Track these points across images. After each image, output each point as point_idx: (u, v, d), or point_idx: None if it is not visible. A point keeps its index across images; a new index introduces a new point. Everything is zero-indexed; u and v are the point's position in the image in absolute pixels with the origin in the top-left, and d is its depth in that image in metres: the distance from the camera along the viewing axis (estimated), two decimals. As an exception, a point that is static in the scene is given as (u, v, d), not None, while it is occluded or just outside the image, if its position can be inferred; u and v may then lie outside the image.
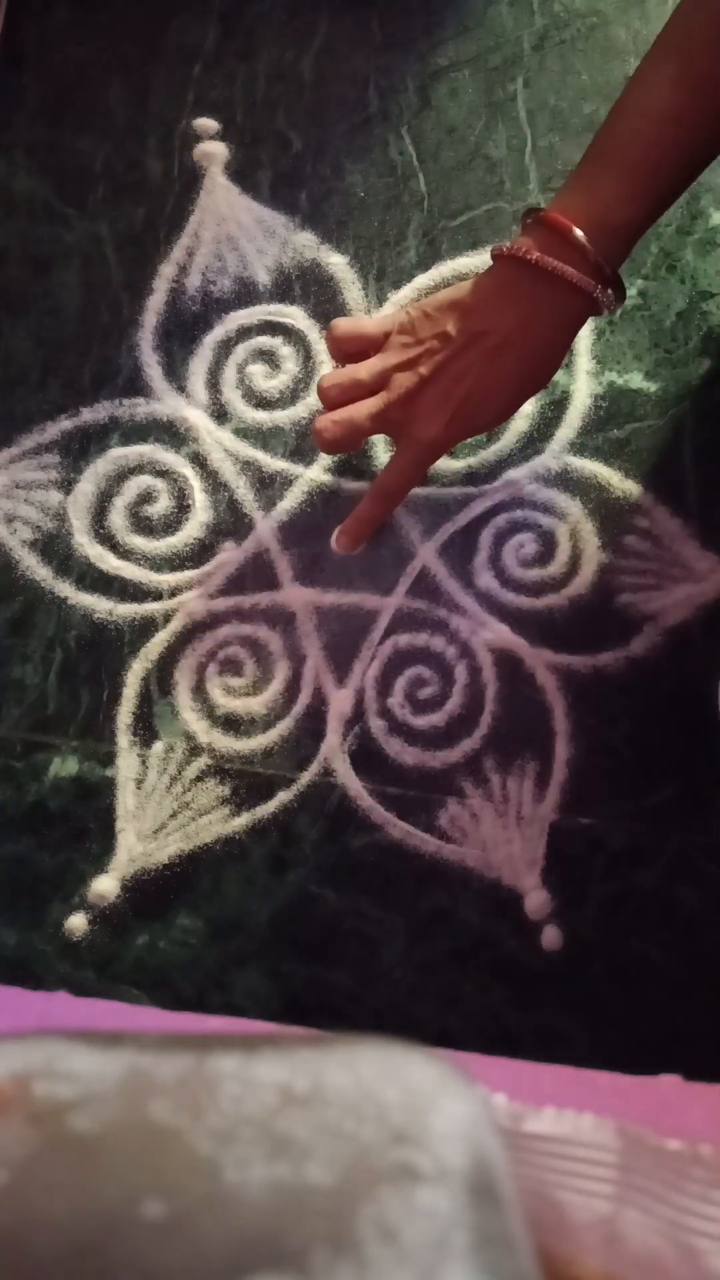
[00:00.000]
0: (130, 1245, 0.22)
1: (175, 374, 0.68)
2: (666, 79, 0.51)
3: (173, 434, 0.67)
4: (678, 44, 0.51)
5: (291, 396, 0.68)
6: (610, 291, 0.54)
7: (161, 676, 0.63)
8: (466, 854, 0.60)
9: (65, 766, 0.62)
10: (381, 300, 0.69)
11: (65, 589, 0.65)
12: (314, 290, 0.70)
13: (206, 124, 0.73)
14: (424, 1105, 0.25)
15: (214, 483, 0.67)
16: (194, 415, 0.68)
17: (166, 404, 0.68)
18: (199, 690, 0.63)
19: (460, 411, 0.56)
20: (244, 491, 0.66)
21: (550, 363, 0.56)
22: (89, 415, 0.68)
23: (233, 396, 0.68)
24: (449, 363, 0.55)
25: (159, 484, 0.67)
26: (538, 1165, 0.36)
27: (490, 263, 0.56)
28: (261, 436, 0.67)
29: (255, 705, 0.63)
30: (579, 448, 0.66)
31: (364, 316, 0.65)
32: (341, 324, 0.60)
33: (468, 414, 0.56)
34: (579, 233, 0.52)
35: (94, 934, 0.59)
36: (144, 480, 0.67)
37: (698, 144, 0.52)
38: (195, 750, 0.62)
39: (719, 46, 0.50)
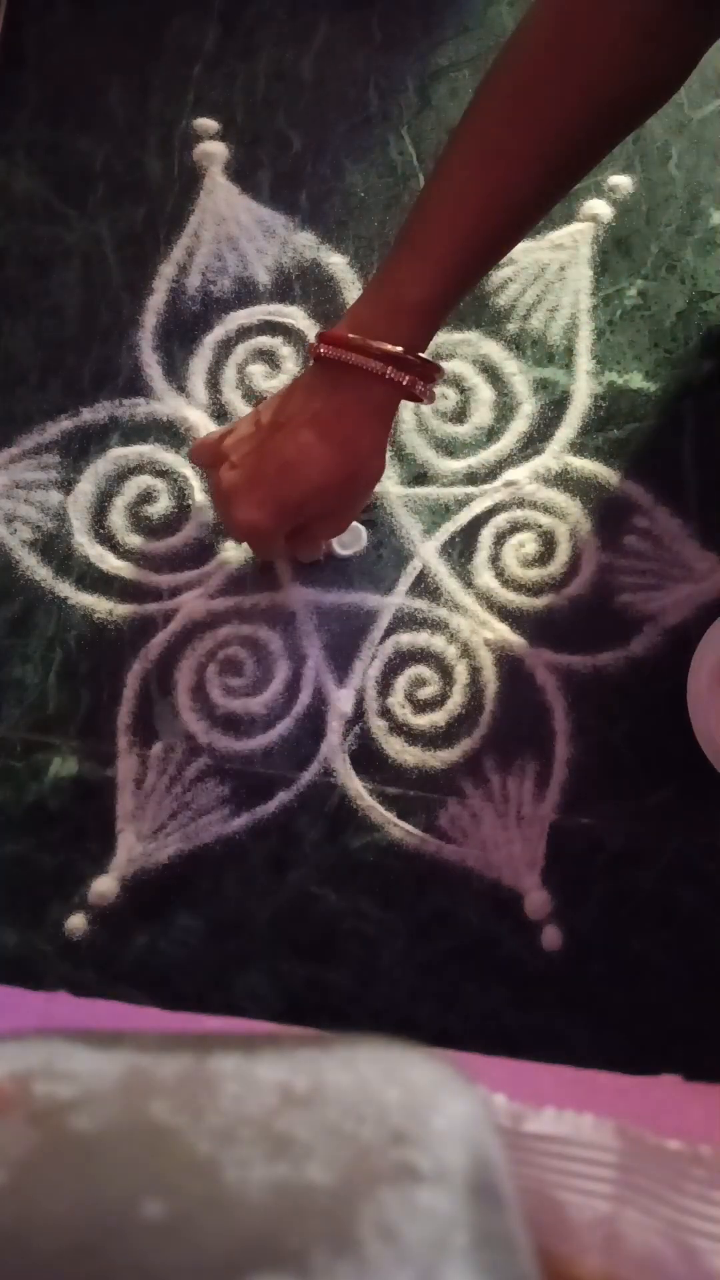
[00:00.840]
0: (130, 1245, 0.22)
1: (175, 374, 0.68)
2: (462, 161, 0.51)
3: (173, 434, 0.67)
4: (470, 128, 0.51)
5: (291, 396, 0.68)
6: (418, 381, 0.54)
7: (161, 676, 0.63)
8: (466, 854, 0.60)
9: (65, 766, 0.62)
10: (381, 300, 0.69)
11: (65, 589, 0.65)
12: (314, 290, 0.70)
13: (206, 124, 0.73)
14: (424, 1105, 0.25)
15: (214, 483, 0.67)
16: (194, 415, 0.68)
17: (166, 404, 0.68)
18: (199, 690, 0.63)
19: (271, 491, 0.54)
20: (244, 491, 0.66)
21: (362, 442, 0.55)
22: (89, 415, 0.68)
23: (233, 396, 0.68)
24: (257, 448, 0.55)
25: (159, 484, 0.67)
26: (538, 1165, 0.36)
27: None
28: (261, 436, 0.67)
29: (255, 705, 0.63)
30: (579, 448, 0.66)
31: (212, 430, 0.65)
32: (194, 447, 0.61)
33: (280, 491, 0.54)
34: (384, 345, 0.52)
35: (94, 934, 0.59)
36: (144, 480, 0.67)
37: (495, 224, 0.52)
38: (195, 750, 0.62)
39: (508, 126, 0.50)
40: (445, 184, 0.52)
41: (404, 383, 0.53)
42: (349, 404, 0.54)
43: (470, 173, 0.51)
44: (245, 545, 0.64)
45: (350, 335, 0.52)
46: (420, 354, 0.53)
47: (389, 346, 0.52)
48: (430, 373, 0.54)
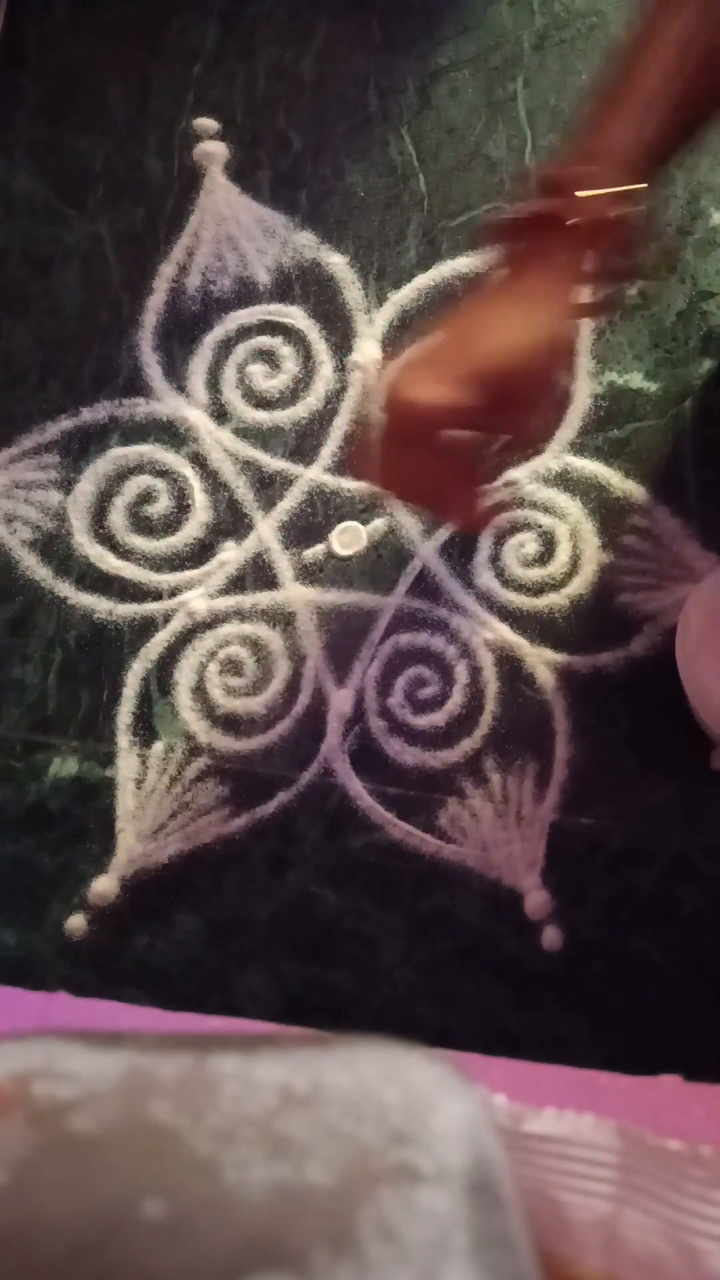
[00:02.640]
0: (130, 1245, 0.22)
1: (175, 374, 0.68)
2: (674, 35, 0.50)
3: (173, 434, 0.67)
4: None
5: (291, 396, 0.68)
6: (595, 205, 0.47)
7: (161, 676, 0.63)
8: (466, 854, 0.60)
9: (65, 766, 0.62)
10: (381, 300, 0.69)
11: (65, 589, 0.65)
12: (314, 290, 0.70)
13: (206, 124, 0.73)
14: (424, 1105, 0.25)
15: (214, 483, 0.67)
16: (194, 415, 0.68)
17: (166, 404, 0.68)
18: (199, 690, 0.63)
19: (419, 356, 0.47)
20: (244, 491, 0.66)
21: (528, 313, 0.48)
22: (89, 415, 0.68)
23: (233, 396, 0.68)
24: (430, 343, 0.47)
25: (159, 484, 0.67)
26: (538, 1165, 0.36)
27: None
28: (261, 436, 0.67)
29: (255, 705, 0.63)
30: (579, 448, 0.66)
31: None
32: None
33: (425, 359, 0.47)
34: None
35: (94, 934, 0.59)
36: (144, 480, 0.67)
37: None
38: (195, 750, 0.62)
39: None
40: (661, 48, 0.50)
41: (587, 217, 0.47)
42: (540, 264, 0.48)
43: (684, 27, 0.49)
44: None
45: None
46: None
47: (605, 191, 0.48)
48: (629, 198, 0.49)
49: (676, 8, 0.50)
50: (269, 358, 0.69)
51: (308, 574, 0.65)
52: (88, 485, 0.66)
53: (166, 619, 0.64)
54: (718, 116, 0.51)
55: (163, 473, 0.67)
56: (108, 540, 0.66)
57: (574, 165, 0.48)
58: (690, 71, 0.50)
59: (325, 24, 0.75)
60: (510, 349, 0.47)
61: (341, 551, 0.65)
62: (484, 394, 0.46)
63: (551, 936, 0.58)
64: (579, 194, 0.47)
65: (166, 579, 0.65)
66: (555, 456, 0.66)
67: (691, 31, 0.49)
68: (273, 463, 0.67)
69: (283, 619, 0.64)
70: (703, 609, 0.57)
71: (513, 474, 0.66)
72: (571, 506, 0.65)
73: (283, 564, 0.65)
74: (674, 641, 0.61)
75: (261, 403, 0.68)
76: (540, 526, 0.65)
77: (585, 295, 0.49)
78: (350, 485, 0.66)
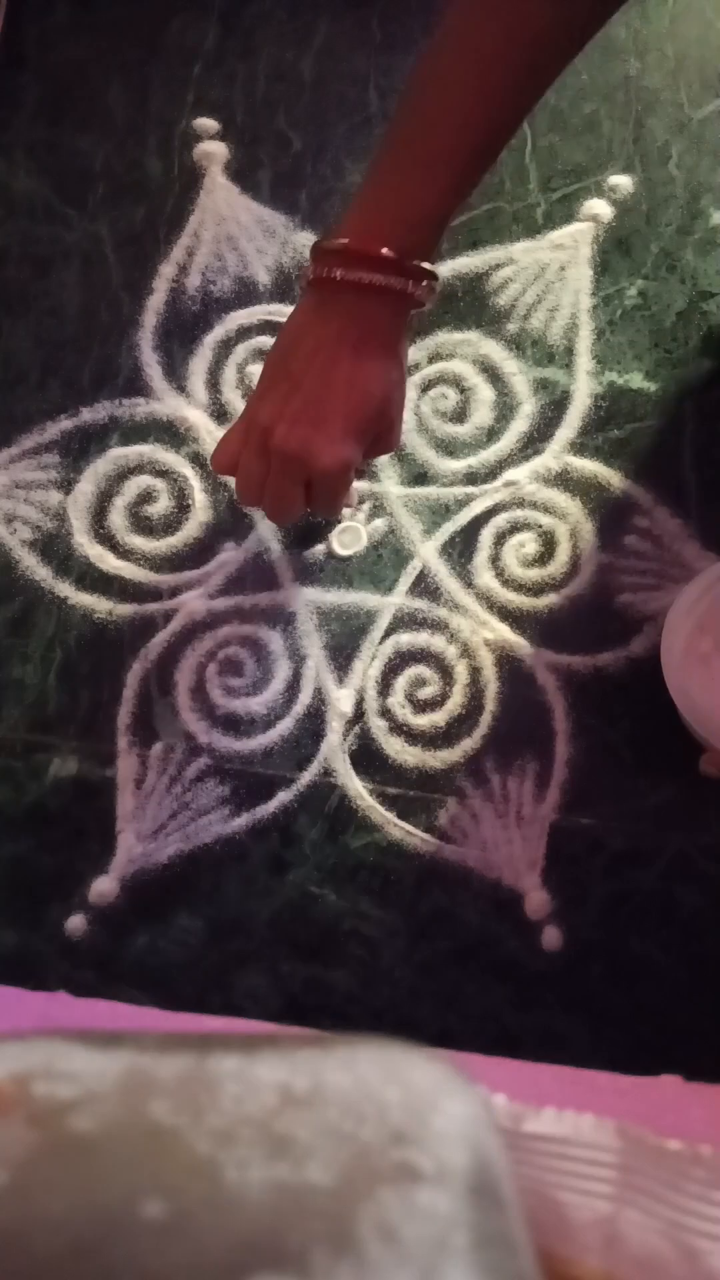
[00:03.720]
0: (130, 1245, 0.22)
1: (175, 374, 0.68)
2: (459, 55, 0.50)
3: (173, 434, 0.67)
4: (453, 39, 0.50)
5: (291, 396, 0.68)
6: (421, 286, 0.53)
7: (161, 676, 0.63)
8: (466, 854, 0.60)
9: (65, 766, 0.62)
10: (381, 300, 0.69)
11: (65, 589, 0.65)
12: (314, 290, 0.70)
13: (206, 124, 0.73)
14: (424, 1105, 0.25)
15: (214, 482, 0.67)
16: (194, 415, 0.68)
17: (166, 404, 0.68)
18: (199, 690, 0.63)
19: (345, 420, 0.53)
20: (244, 491, 0.66)
21: (399, 345, 0.54)
22: (89, 415, 0.68)
23: (233, 396, 0.68)
24: (304, 394, 0.53)
25: (159, 484, 0.67)
26: (538, 1165, 0.36)
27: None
28: (261, 436, 0.67)
29: (255, 705, 0.63)
30: (579, 448, 0.66)
31: (218, 433, 0.64)
32: (218, 457, 0.58)
33: (353, 416, 0.53)
34: (385, 251, 0.51)
35: (94, 934, 0.59)
36: (144, 480, 0.67)
37: (495, 119, 0.51)
38: (195, 750, 0.62)
39: (493, 25, 0.49)
40: (440, 93, 0.51)
41: (421, 293, 0.53)
42: (372, 315, 0.53)
43: (467, 77, 0.50)
44: (263, 517, 0.63)
45: (384, 251, 0.51)
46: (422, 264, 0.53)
47: (421, 264, 0.52)
48: (434, 280, 0.54)
49: (467, 63, 0.50)
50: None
51: (308, 574, 0.65)
52: (88, 485, 0.67)
53: (166, 619, 0.64)
54: (482, 178, 0.54)
55: (163, 473, 0.67)
56: (108, 540, 0.66)
57: (369, 230, 0.52)
58: (479, 128, 0.51)
59: (325, 24, 0.75)
60: (377, 398, 0.54)
61: (341, 551, 0.65)
62: (367, 440, 0.55)
63: (551, 936, 0.58)
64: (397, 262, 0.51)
65: (166, 579, 0.65)
66: (555, 456, 0.66)
67: (483, 87, 0.50)
68: (273, 463, 0.67)
69: (283, 619, 0.64)
70: (686, 614, 0.57)
71: (513, 474, 0.66)
72: (571, 506, 0.65)
73: (283, 564, 0.65)
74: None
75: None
76: (540, 526, 0.65)
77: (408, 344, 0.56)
78: (351, 485, 0.66)
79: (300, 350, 0.54)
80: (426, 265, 0.53)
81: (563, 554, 0.64)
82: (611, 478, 0.65)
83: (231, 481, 0.66)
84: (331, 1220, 0.22)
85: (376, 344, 0.53)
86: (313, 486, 0.56)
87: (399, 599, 0.64)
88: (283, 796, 0.61)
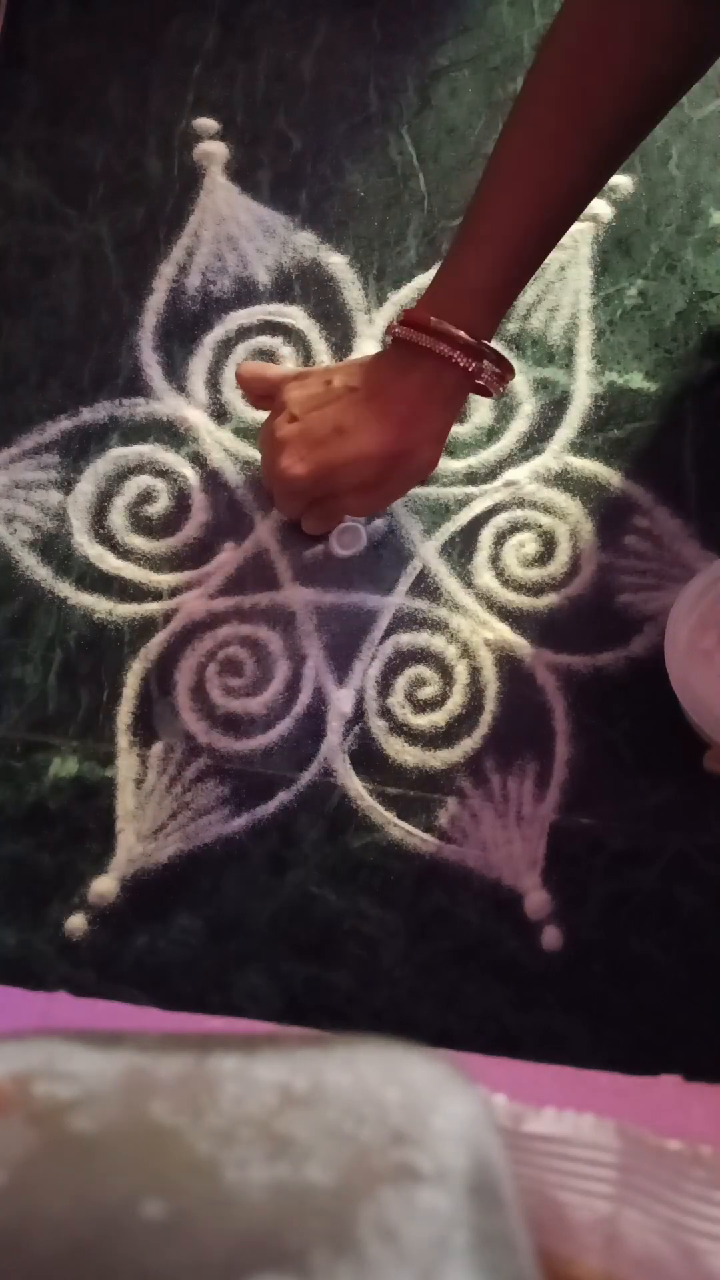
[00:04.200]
0: (130, 1245, 0.22)
1: (175, 374, 0.68)
2: (514, 150, 0.53)
3: (173, 434, 0.67)
4: (521, 116, 0.53)
5: (291, 396, 0.68)
6: (481, 367, 0.55)
7: (161, 676, 0.63)
8: (466, 854, 0.60)
9: (65, 766, 0.62)
10: (381, 300, 0.69)
11: (65, 589, 0.65)
12: (314, 290, 0.70)
13: (206, 124, 0.73)
14: (424, 1105, 0.25)
15: (214, 483, 0.67)
16: (194, 415, 0.68)
17: (166, 404, 0.68)
18: (199, 690, 0.63)
19: (318, 450, 0.57)
20: (244, 491, 0.66)
21: (421, 425, 0.57)
22: (89, 415, 0.68)
23: (233, 396, 0.68)
24: (319, 408, 0.57)
25: (159, 484, 0.67)
26: (538, 1165, 0.36)
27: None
28: (261, 436, 0.67)
29: (255, 705, 0.63)
30: (579, 448, 0.66)
31: (268, 365, 0.66)
32: (247, 367, 0.62)
33: (326, 452, 0.56)
34: (433, 320, 0.54)
35: (94, 934, 0.59)
36: (144, 480, 0.67)
37: (551, 207, 0.53)
38: (195, 750, 0.62)
39: (556, 111, 0.51)
40: (500, 172, 0.53)
41: (470, 370, 0.55)
42: (416, 385, 0.56)
43: (523, 160, 0.52)
44: (273, 508, 0.65)
45: (430, 318, 0.54)
46: (489, 344, 0.55)
47: (461, 333, 0.54)
48: (501, 364, 0.56)
49: (534, 148, 0.52)
50: (269, 358, 0.69)
51: (308, 574, 0.65)
52: (88, 485, 0.67)
53: (166, 619, 0.64)
54: (554, 247, 0.56)
55: (163, 473, 0.67)
56: (108, 540, 0.66)
57: (441, 307, 0.55)
58: (544, 211, 0.54)
59: (325, 24, 0.75)
60: (363, 457, 0.57)
61: (341, 551, 0.65)
62: (330, 483, 0.58)
63: (551, 936, 0.58)
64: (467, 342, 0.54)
65: (166, 579, 0.65)
66: (555, 456, 0.66)
67: (530, 167, 0.52)
68: (273, 463, 0.67)
69: (283, 619, 0.64)
70: (690, 610, 0.57)
71: (513, 474, 0.66)
72: (571, 506, 0.65)
73: (283, 564, 0.65)
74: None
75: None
76: (540, 526, 0.65)
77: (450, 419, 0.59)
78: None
79: (361, 376, 0.57)
80: (492, 347, 0.55)
81: (563, 554, 0.64)
82: (611, 478, 0.65)
83: (231, 479, 0.67)
84: (331, 1220, 0.22)
85: (415, 409, 0.56)
86: (322, 506, 0.61)
87: (399, 599, 0.64)
88: (283, 796, 0.61)
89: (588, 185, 0.54)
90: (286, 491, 0.59)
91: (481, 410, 0.67)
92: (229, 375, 0.68)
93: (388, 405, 0.56)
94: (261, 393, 0.61)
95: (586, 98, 0.50)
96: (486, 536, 0.65)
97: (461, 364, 0.54)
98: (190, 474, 0.67)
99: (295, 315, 0.69)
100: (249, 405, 0.66)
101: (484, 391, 0.57)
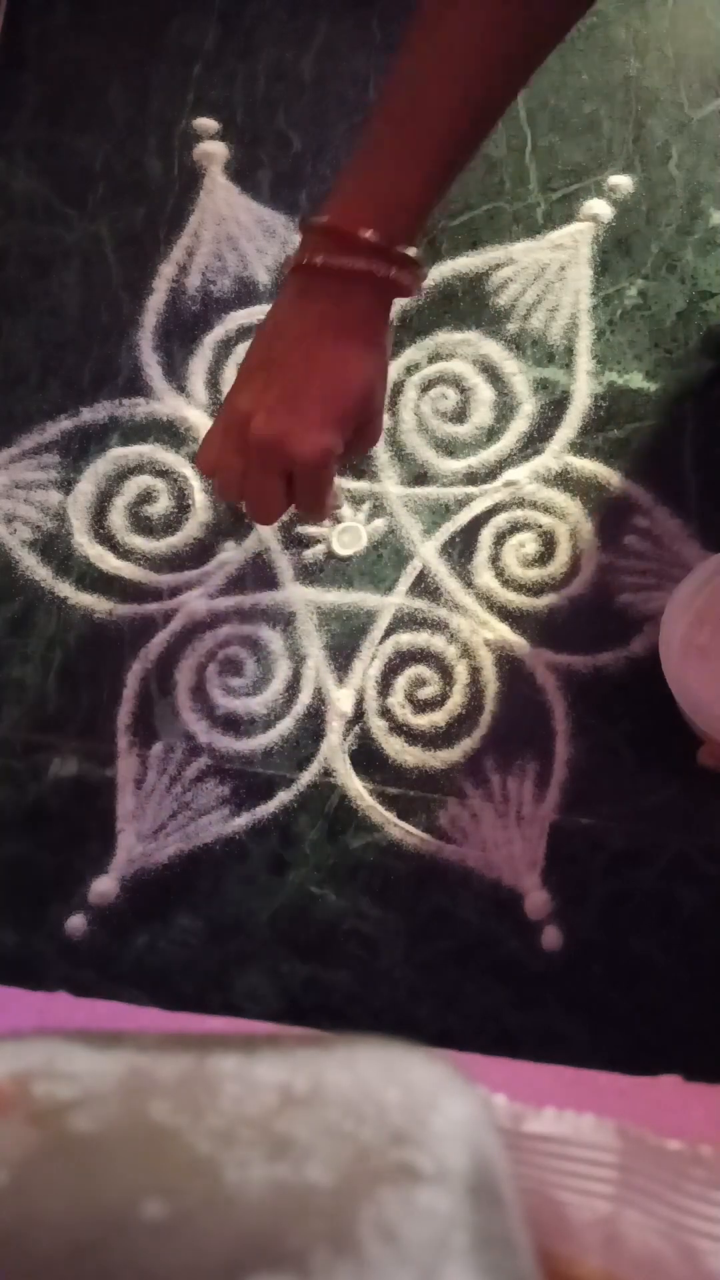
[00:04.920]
0: (130, 1245, 0.22)
1: (175, 374, 0.68)
2: (446, 40, 0.49)
3: (173, 434, 0.67)
4: (437, 29, 0.49)
5: (291, 396, 0.68)
6: (406, 273, 0.52)
7: (161, 676, 0.63)
8: (466, 854, 0.60)
9: (65, 766, 0.62)
10: (381, 300, 0.69)
11: (65, 589, 0.65)
12: (314, 290, 0.70)
13: (206, 124, 0.73)
14: (424, 1105, 0.25)
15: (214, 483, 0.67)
16: (194, 415, 0.68)
17: (166, 404, 0.68)
18: (199, 690, 0.63)
19: (324, 407, 0.52)
20: (244, 491, 0.66)
21: (381, 332, 0.54)
22: (89, 415, 0.68)
23: (233, 396, 0.68)
24: (283, 381, 0.53)
25: (159, 484, 0.67)
26: (538, 1165, 0.36)
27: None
28: (261, 436, 0.67)
29: (255, 705, 0.63)
30: (579, 448, 0.66)
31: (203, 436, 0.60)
32: (203, 457, 0.57)
33: (333, 403, 0.53)
34: (365, 233, 0.50)
35: (94, 934, 0.59)
36: (144, 480, 0.67)
37: (482, 103, 0.51)
38: (195, 750, 0.62)
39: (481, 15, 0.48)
40: (421, 81, 0.50)
41: (407, 281, 0.52)
42: (349, 307, 0.52)
43: (455, 62, 0.49)
44: (249, 513, 0.60)
45: (367, 235, 0.50)
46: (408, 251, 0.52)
47: (391, 246, 0.51)
48: (422, 270, 0.53)
49: (447, 51, 0.50)
50: (269, 358, 0.69)
51: (308, 574, 0.65)
52: (88, 485, 0.67)
53: (166, 619, 0.64)
54: (466, 168, 0.53)
55: (163, 473, 0.67)
56: (108, 540, 0.66)
57: (352, 212, 0.51)
58: (459, 117, 0.51)
59: (325, 24, 0.75)
60: (359, 386, 0.53)
61: (341, 551, 0.65)
62: (349, 430, 0.54)
63: (551, 936, 0.58)
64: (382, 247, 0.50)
65: (166, 579, 0.65)
66: (555, 456, 0.66)
67: (462, 77, 0.50)
68: (273, 463, 0.67)
69: (283, 619, 0.64)
70: (685, 606, 0.57)
71: (512, 474, 0.66)
72: (571, 506, 0.65)
73: (283, 564, 0.65)
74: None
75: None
76: (540, 526, 0.65)
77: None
78: (350, 485, 0.66)
79: (281, 339, 0.53)
80: (411, 252, 0.52)
81: (563, 554, 0.64)
82: (611, 478, 0.65)
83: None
84: (331, 1220, 0.22)
85: (359, 332, 0.53)
86: (295, 479, 0.55)
87: (399, 599, 0.64)
88: (283, 796, 0.61)
89: (516, 87, 0.52)
90: (325, 465, 0.54)
91: (481, 410, 0.67)
92: (229, 375, 0.68)
93: (341, 330, 0.52)
94: (220, 453, 0.55)
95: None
96: (486, 536, 0.65)
97: (393, 277, 0.51)
98: (190, 474, 0.67)
99: (295, 315, 0.69)
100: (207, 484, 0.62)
101: (408, 293, 0.53)
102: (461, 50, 0.50)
